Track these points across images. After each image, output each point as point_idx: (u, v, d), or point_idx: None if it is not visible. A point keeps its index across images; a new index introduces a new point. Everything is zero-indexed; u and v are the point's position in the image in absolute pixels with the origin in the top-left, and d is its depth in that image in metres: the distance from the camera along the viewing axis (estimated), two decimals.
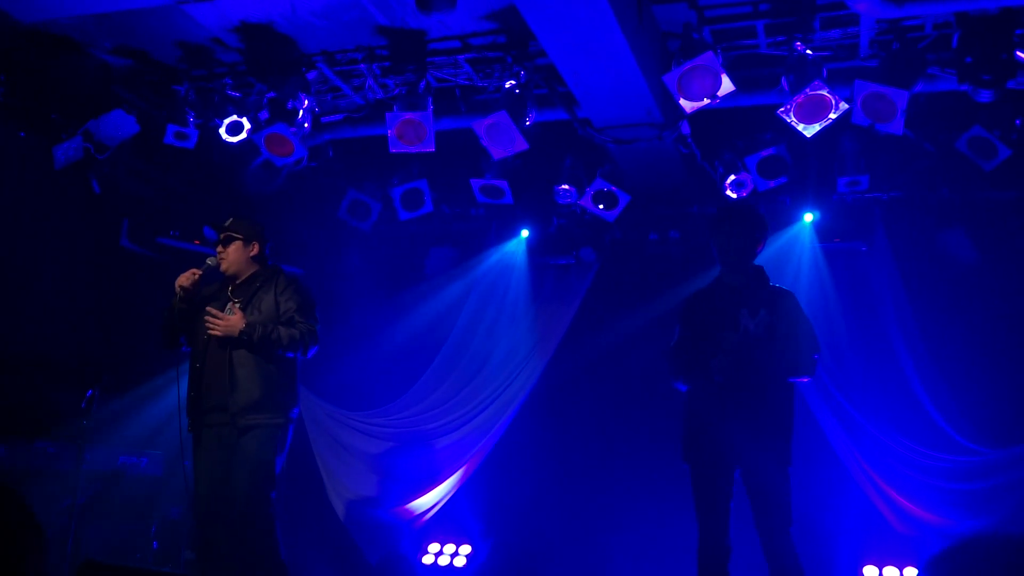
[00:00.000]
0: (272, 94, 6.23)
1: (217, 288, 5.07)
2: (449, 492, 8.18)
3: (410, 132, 6.15)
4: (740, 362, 4.39)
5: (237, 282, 5.01)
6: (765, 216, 4.74)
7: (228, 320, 4.71)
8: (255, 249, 5.03)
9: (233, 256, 4.99)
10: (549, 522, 8.03)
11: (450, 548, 8.21)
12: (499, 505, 8.17)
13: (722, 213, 4.76)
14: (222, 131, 6.47)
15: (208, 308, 4.79)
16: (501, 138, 6.07)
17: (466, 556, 8.13)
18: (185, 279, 4.87)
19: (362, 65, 6.24)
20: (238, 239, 5.00)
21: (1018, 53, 5.02)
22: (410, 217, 7.51)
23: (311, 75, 6.32)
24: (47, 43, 6.01)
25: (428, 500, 8.14)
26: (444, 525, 8.24)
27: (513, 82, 6.08)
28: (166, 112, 6.47)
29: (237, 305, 4.87)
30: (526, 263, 8.34)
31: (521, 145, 6.05)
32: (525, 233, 8.26)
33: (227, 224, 5.04)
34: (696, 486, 4.54)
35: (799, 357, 4.50)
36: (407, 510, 8.11)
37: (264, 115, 6.38)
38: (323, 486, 7.90)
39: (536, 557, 7.90)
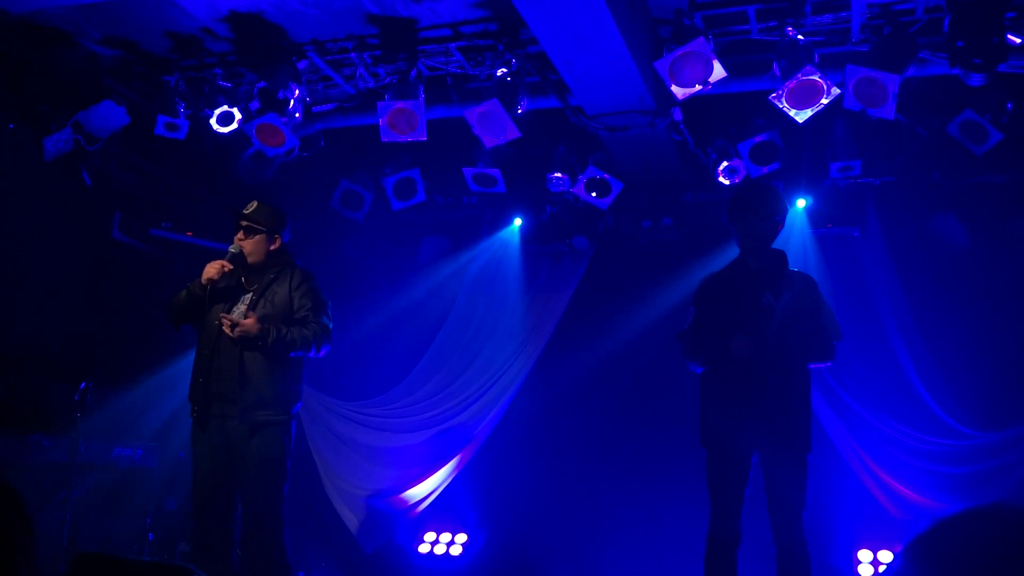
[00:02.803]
0: (263, 84, 6.19)
1: (228, 273, 4.89)
2: (444, 481, 8.19)
3: (402, 121, 6.13)
4: (763, 345, 4.33)
5: (251, 268, 4.89)
6: (782, 195, 4.68)
7: (243, 324, 4.60)
8: (278, 242, 4.94)
9: (257, 247, 4.86)
10: (544, 510, 8.05)
11: (446, 537, 8.23)
12: (494, 494, 8.19)
13: (741, 194, 4.65)
14: (213, 121, 6.44)
15: (222, 315, 4.66)
16: (493, 126, 6.05)
17: (462, 545, 8.15)
18: (215, 272, 4.72)
19: (353, 54, 6.21)
20: (263, 231, 4.86)
21: (1009, 36, 5.01)
22: (403, 207, 7.50)
23: (302, 65, 6.29)
24: (35, 34, 5.97)
25: (423, 489, 8.15)
26: (440, 514, 8.26)
27: (505, 70, 6.06)
28: (156, 103, 6.44)
29: (250, 297, 4.77)
30: (519, 252, 8.34)
31: (513, 133, 6.04)
32: (518, 221, 8.25)
33: (251, 212, 4.87)
34: (712, 471, 4.47)
35: (821, 343, 4.49)
36: (402, 499, 8.12)
37: (255, 105, 6.35)
38: (318, 476, 7.91)
39: (531, 545, 7.93)
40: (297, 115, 6.42)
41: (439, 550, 8.16)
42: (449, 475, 8.18)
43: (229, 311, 4.74)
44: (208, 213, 8.13)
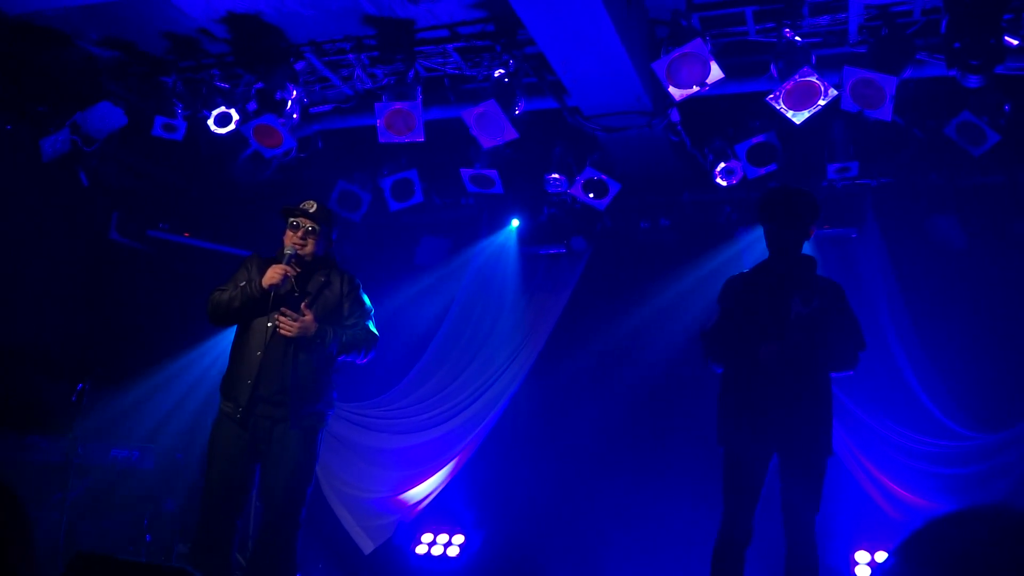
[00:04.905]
0: (260, 85, 6.19)
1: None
2: (442, 482, 8.19)
3: (399, 122, 6.13)
4: (790, 351, 4.31)
5: (301, 269, 4.77)
6: (816, 200, 4.58)
7: (303, 322, 4.56)
8: (331, 243, 4.89)
9: (317, 247, 4.75)
10: (542, 511, 8.05)
11: (443, 538, 8.22)
12: (492, 495, 8.19)
13: (775, 197, 4.56)
14: (210, 122, 6.44)
15: (283, 308, 4.57)
16: (491, 127, 6.06)
17: (459, 546, 8.14)
18: (279, 277, 4.57)
19: (351, 55, 6.21)
20: (326, 231, 4.77)
21: (1006, 38, 5.02)
22: (400, 207, 7.50)
23: (299, 65, 6.29)
24: (33, 35, 5.97)
25: (421, 490, 8.15)
26: (437, 515, 8.25)
27: (502, 71, 6.06)
28: (154, 104, 6.43)
29: (305, 301, 4.66)
30: (517, 253, 8.34)
31: (511, 134, 6.04)
32: (516, 222, 8.25)
33: (315, 211, 4.73)
34: (729, 469, 4.44)
35: (846, 352, 4.47)
36: (400, 500, 8.12)
37: (252, 106, 6.35)
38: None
39: (529, 546, 7.93)
40: (294, 116, 6.43)
41: (436, 551, 8.15)
42: (447, 476, 8.18)
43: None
44: (206, 214, 8.12)
